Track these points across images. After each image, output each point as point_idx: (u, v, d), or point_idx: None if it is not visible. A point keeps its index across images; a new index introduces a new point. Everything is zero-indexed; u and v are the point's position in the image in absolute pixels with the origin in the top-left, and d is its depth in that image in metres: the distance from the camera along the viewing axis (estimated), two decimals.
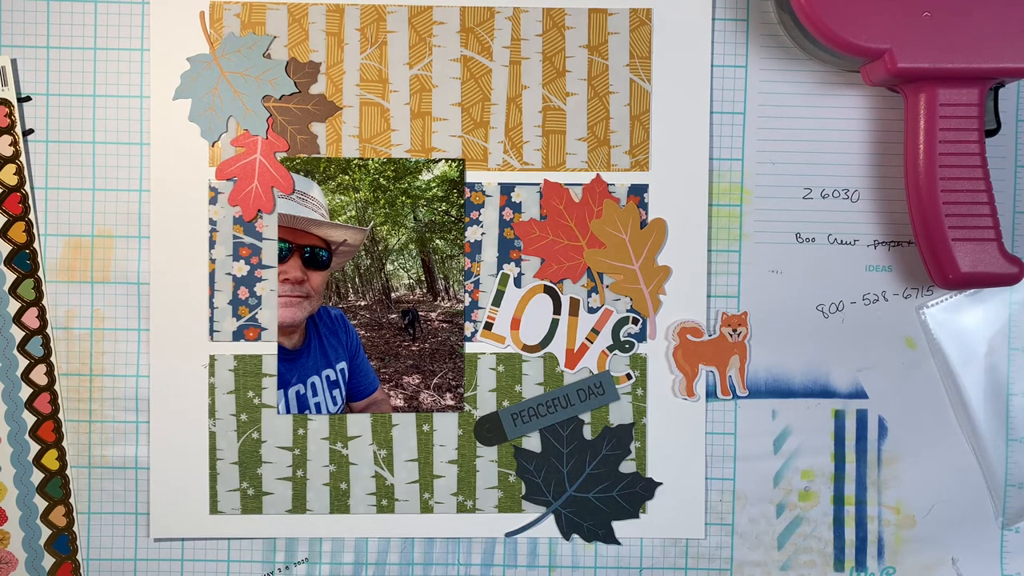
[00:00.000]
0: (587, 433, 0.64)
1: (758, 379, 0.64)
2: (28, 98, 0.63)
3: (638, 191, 0.64)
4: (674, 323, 0.64)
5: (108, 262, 0.63)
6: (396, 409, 0.64)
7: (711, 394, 0.64)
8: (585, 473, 0.64)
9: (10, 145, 0.63)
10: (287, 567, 0.64)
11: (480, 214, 0.64)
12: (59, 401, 0.63)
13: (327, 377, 0.64)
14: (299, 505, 0.64)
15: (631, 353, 0.64)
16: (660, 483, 0.64)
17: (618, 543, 0.64)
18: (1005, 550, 0.65)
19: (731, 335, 0.64)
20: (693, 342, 0.64)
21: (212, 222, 0.63)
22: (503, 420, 0.64)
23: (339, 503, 0.64)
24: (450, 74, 0.64)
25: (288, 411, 0.64)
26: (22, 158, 0.63)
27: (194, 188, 0.63)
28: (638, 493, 0.64)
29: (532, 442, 0.64)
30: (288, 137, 0.63)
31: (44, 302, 0.63)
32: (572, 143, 0.64)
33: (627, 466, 0.64)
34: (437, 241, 0.64)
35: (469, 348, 0.64)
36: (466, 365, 0.64)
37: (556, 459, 0.64)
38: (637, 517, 0.64)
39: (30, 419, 0.63)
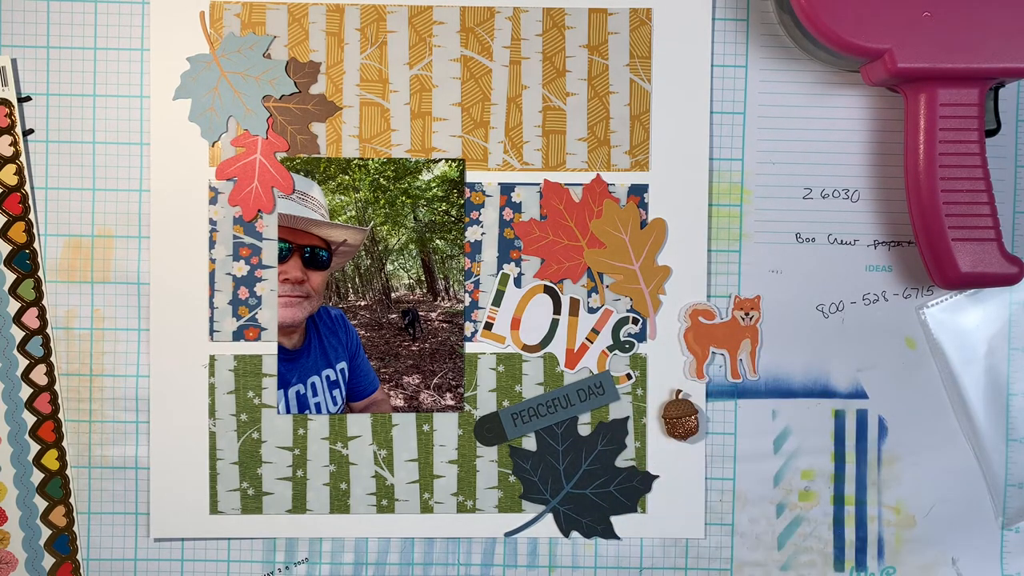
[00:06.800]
0: (582, 429, 0.64)
1: (758, 379, 0.64)
2: (28, 98, 0.63)
3: (638, 191, 0.64)
4: (686, 305, 0.64)
5: (108, 262, 0.63)
6: (396, 409, 0.64)
7: (717, 383, 0.64)
8: (581, 469, 0.64)
9: (10, 145, 0.63)
10: (287, 567, 0.64)
11: (480, 214, 0.64)
12: (59, 401, 0.63)
13: (327, 377, 0.64)
14: (299, 505, 0.64)
15: (631, 353, 0.64)
16: (657, 476, 0.64)
17: (618, 538, 0.65)
18: (1005, 550, 0.65)
19: (743, 319, 0.64)
20: (705, 324, 0.64)
21: (212, 222, 0.63)
22: (503, 420, 0.64)
23: (339, 503, 0.64)
24: (450, 74, 0.64)
25: (288, 411, 0.64)
26: (22, 158, 0.63)
27: (194, 188, 0.63)
28: (635, 487, 0.64)
29: (528, 440, 0.64)
30: (288, 137, 0.63)
31: (44, 302, 0.63)
32: (572, 143, 0.64)
33: (624, 461, 0.64)
34: (437, 241, 0.64)
35: (469, 348, 0.64)
36: (466, 365, 0.64)
37: (552, 457, 0.64)
38: (635, 511, 0.64)
39: (30, 419, 0.63)
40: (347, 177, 0.64)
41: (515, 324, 0.64)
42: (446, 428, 0.64)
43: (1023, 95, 0.65)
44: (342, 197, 0.64)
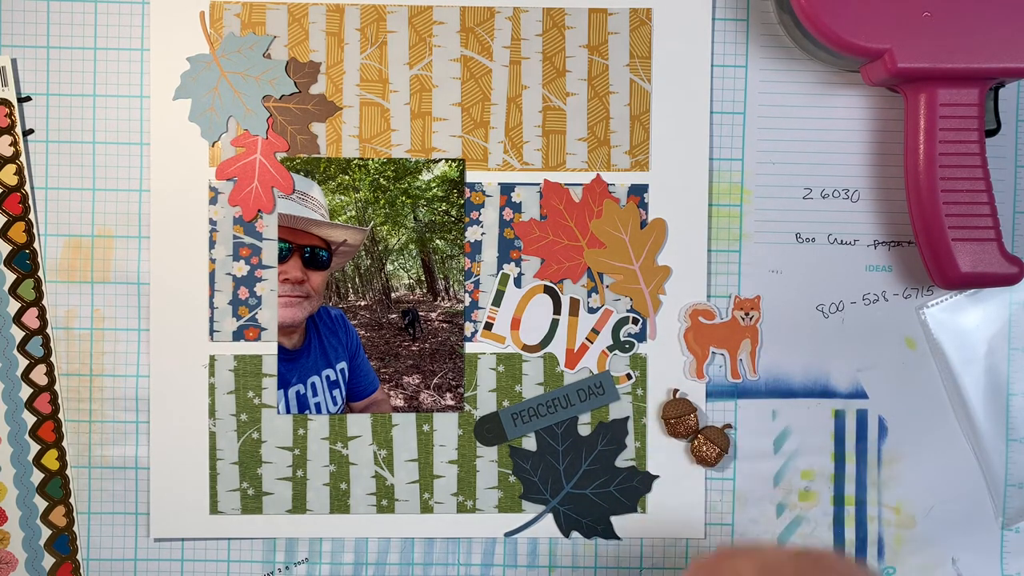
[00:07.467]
0: (582, 429, 0.64)
1: (758, 379, 0.64)
2: (28, 98, 0.63)
3: (638, 191, 0.64)
4: (686, 305, 0.64)
5: (108, 262, 0.63)
6: (396, 409, 0.64)
7: (717, 383, 0.64)
8: (581, 469, 0.64)
9: (10, 145, 0.63)
10: (287, 567, 0.64)
11: (480, 214, 0.64)
12: (59, 401, 0.63)
13: (327, 377, 0.64)
14: (299, 505, 0.64)
15: (631, 353, 0.64)
16: (657, 476, 0.64)
17: (618, 538, 0.65)
18: (1005, 550, 0.65)
19: (743, 319, 0.64)
20: (705, 324, 0.64)
21: (212, 222, 0.63)
22: (503, 420, 0.64)
23: (339, 503, 0.64)
24: (450, 74, 0.64)
25: (288, 411, 0.64)
26: (22, 158, 0.63)
27: (194, 188, 0.63)
28: (635, 487, 0.64)
29: (528, 440, 0.64)
30: (288, 137, 0.63)
31: (44, 302, 0.63)
32: (572, 143, 0.64)
33: (624, 461, 0.64)
34: (437, 241, 0.64)
35: (469, 348, 0.64)
36: (466, 365, 0.64)
37: (552, 457, 0.64)
38: (635, 511, 0.64)
39: (30, 419, 0.63)
40: (347, 177, 0.63)
41: (515, 324, 0.64)
42: (446, 428, 0.64)
43: (1023, 95, 0.65)
44: (342, 197, 0.64)
